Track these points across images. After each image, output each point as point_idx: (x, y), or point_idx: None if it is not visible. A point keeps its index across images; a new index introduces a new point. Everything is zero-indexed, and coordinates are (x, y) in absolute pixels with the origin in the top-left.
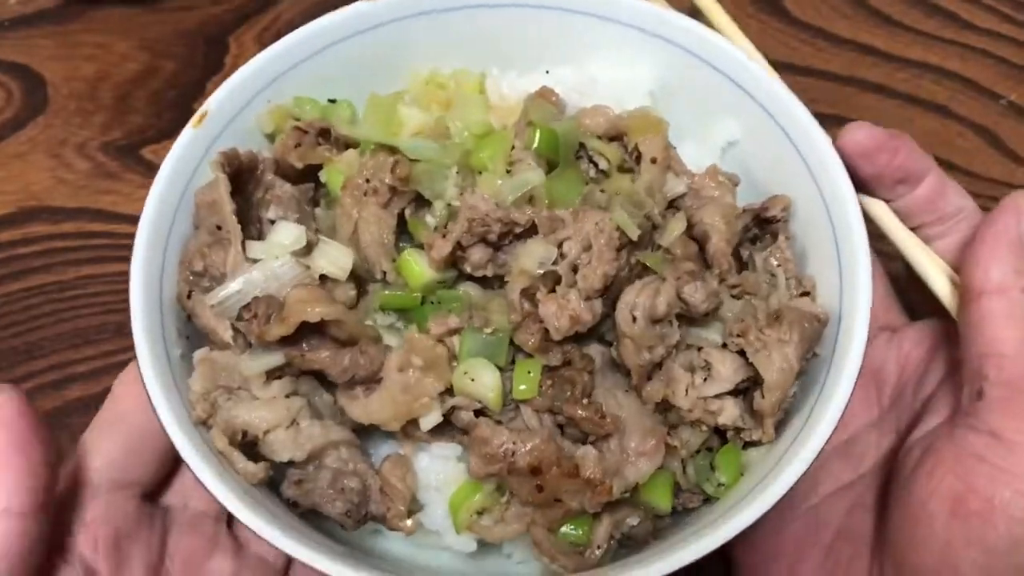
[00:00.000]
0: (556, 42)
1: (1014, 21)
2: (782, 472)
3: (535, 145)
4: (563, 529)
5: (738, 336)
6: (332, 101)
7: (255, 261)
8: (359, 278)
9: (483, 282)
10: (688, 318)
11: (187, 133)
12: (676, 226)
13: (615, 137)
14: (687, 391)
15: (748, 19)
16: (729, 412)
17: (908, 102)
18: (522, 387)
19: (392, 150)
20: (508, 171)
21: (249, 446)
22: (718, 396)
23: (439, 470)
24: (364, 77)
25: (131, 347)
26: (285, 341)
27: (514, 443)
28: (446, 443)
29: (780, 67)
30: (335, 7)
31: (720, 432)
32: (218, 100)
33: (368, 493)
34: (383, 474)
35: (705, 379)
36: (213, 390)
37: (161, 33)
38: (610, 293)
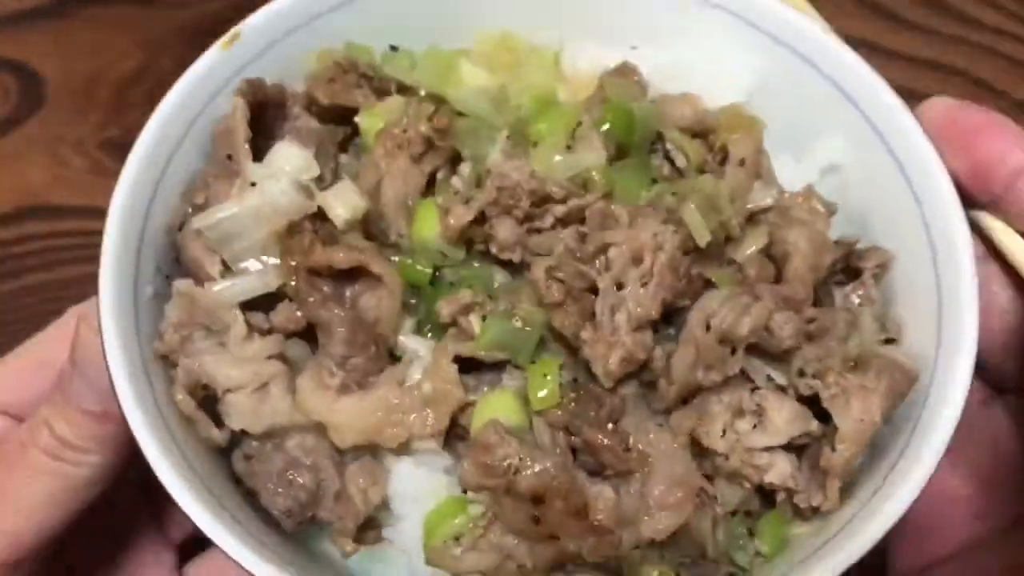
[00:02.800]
0: (647, 16)
1: (1022, 19)
2: (834, 551)
3: (606, 126)
4: None
5: (813, 377)
6: (393, 48)
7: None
8: (370, 237)
9: (512, 269)
10: (755, 349)
11: (211, 54)
12: (756, 239)
13: (700, 134)
14: (724, 432)
15: None
16: (780, 469)
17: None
18: (541, 393)
19: (441, 101)
20: (568, 147)
21: (209, 404)
22: (768, 450)
23: (421, 479)
24: (423, 30)
25: None
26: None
27: (521, 459)
28: (434, 452)
29: None
30: None
31: (766, 495)
32: (254, 25)
33: (320, 495)
34: (345, 480)
35: (755, 426)
36: (190, 325)
37: (158, 30)
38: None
